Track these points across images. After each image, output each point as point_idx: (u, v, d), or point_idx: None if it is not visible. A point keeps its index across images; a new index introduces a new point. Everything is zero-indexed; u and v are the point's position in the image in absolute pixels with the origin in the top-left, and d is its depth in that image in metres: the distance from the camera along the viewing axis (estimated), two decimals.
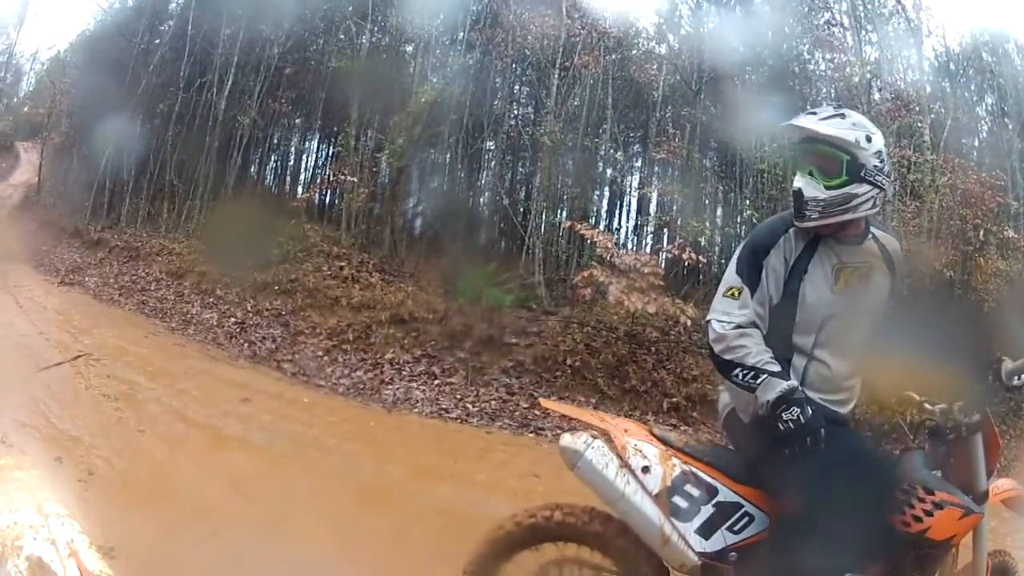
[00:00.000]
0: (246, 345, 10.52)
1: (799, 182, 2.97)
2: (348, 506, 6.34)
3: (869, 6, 11.29)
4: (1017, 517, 3.56)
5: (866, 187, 2.92)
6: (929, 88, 11.00)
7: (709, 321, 3.01)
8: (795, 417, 2.78)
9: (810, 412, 2.78)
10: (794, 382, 2.88)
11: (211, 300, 11.52)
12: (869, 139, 2.94)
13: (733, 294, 2.96)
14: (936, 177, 10.21)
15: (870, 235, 3.11)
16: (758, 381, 2.84)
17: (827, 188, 2.91)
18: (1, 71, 16.62)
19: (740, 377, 2.89)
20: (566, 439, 3.28)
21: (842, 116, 3.03)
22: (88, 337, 10.44)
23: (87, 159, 14.75)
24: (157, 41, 14.13)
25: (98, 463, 6.91)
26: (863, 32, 11.36)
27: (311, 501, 6.36)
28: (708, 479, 3.10)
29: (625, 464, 3.12)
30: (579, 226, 10.28)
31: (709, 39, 11.31)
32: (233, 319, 11.06)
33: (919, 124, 10.58)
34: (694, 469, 3.11)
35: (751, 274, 2.96)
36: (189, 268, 12.15)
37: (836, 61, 11.41)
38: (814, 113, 3.13)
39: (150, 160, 13.61)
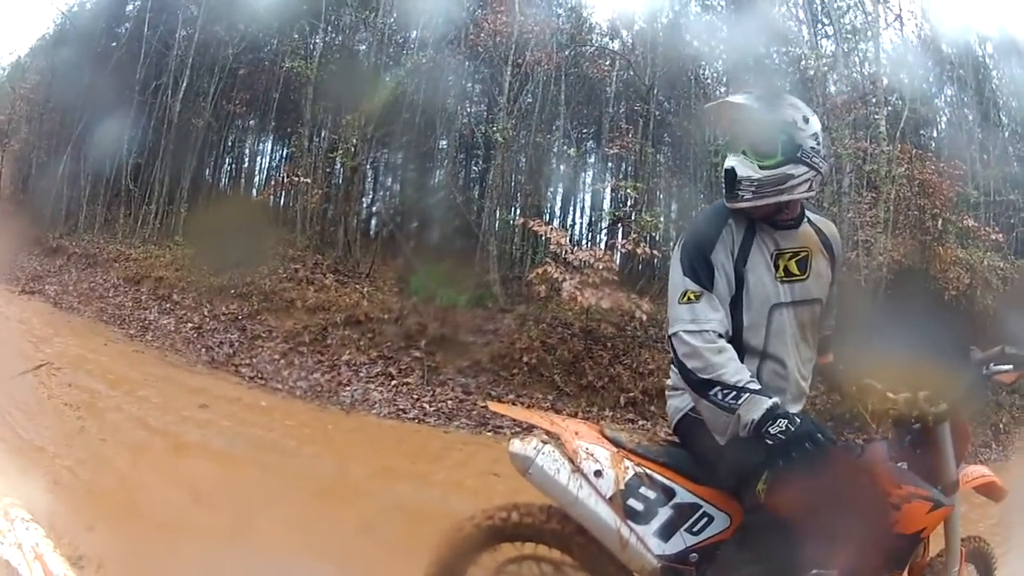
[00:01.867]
0: (204, 350, 10.62)
1: (731, 161, 2.91)
2: (310, 507, 6.43)
3: None
4: (990, 503, 3.56)
5: (803, 168, 2.87)
6: (887, 80, 11.21)
7: (676, 334, 2.84)
8: (783, 428, 2.67)
9: (798, 420, 2.67)
10: (776, 397, 2.78)
11: (168, 306, 11.62)
12: (807, 120, 2.92)
13: (690, 298, 2.80)
14: (893, 168, 10.40)
15: (805, 219, 3.08)
16: (739, 401, 2.72)
17: (761, 168, 2.86)
18: None
19: (720, 397, 2.76)
20: (516, 445, 3.28)
21: (778, 97, 3.04)
22: (49, 346, 10.52)
23: (45, 166, 14.77)
24: (114, 44, 14.16)
25: (63, 473, 7.02)
26: (819, 25, 11.60)
27: (274, 504, 6.46)
28: (664, 480, 3.09)
29: (577, 468, 3.13)
30: (532, 223, 10.57)
31: (663, 34, 11.52)
32: (190, 324, 11.16)
33: (875, 115, 10.78)
34: (648, 471, 3.10)
35: (703, 273, 2.83)
36: (146, 274, 12.23)
37: (791, 54, 11.61)
38: (749, 93, 3.15)
39: (106, 165, 13.71)
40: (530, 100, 11.56)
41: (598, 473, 3.11)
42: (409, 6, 12.38)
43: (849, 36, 11.42)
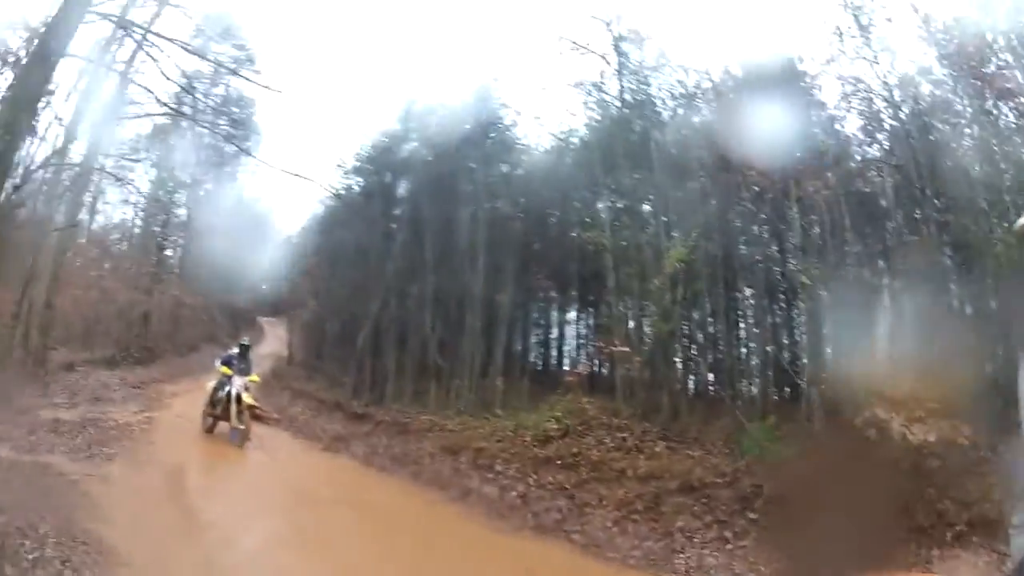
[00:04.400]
0: (530, 516, 10.98)
1: None
2: None
3: None
4: None
5: None
6: None
7: None
8: None
9: None
10: None
11: (490, 475, 12.00)
12: None
13: None
14: None
15: None
16: None
17: None
18: (232, 251, 18.58)
19: None
20: None
21: None
22: (357, 498, 11.54)
23: (341, 337, 16.13)
24: (393, 226, 15.40)
25: None
26: None
27: None
28: None
29: None
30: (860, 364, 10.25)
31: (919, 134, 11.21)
32: (515, 492, 11.51)
33: None
34: None
35: None
36: (465, 444, 12.68)
37: None
38: None
39: (408, 340, 14.67)
40: (816, 231, 11.61)
41: None
42: (684, 158, 12.86)
43: None
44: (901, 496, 8.99)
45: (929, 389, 9.45)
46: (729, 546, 9.75)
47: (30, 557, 7.66)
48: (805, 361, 11.53)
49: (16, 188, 11.46)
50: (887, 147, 11.61)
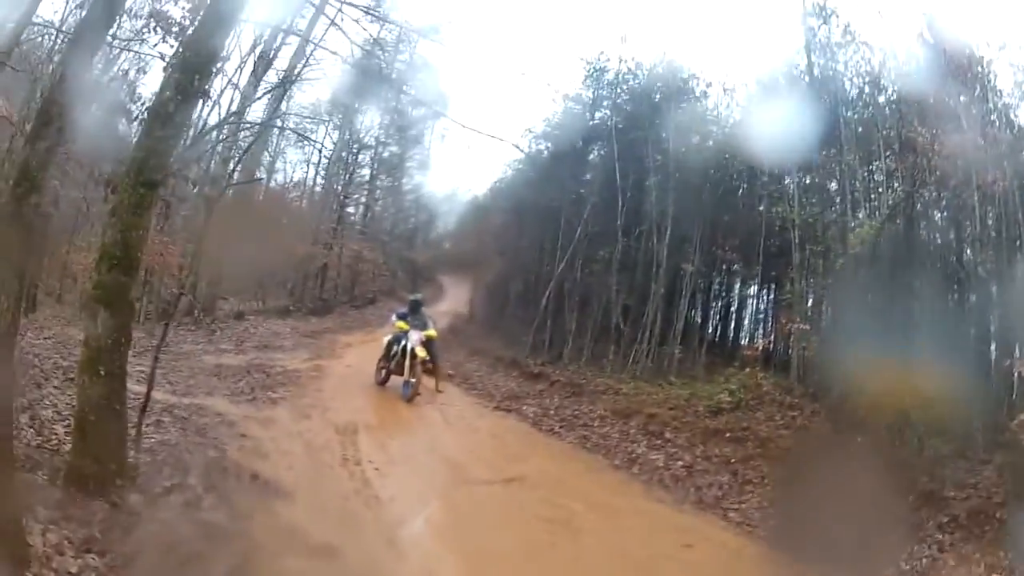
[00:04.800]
0: (692, 490, 11.56)
1: None
2: None
3: None
4: None
5: None
6: None
7: None
8: None
9: None
10: None
11: (658, 442, 12.70)
12: None
13: None
14: None
15: None
16: None
17: None
18: (414, 209, 19.94)
19: None
20: None
21: None
22: (523, 463, 12.07)
23: (523, 297, 17.41)
24: (582, 190, 16.40)
25: None
26: None
27: None
28: None
29: None
30: (1019, 364, 10.55)
31: None
32: (681, 462, 12.16)
33: None
34: None
35: None
36: (637, 409, 13.42)
37: None
38: None
39: (593, 303, 15.66)
40: (991, 222, 11.67)
41: None
42: (871, 138, 13.39)
43: None
44: None
45: None
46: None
47: (165, 485, 8.71)
48: (970, 357, 11.49)
49: (188, 147, 12.38)
50: None
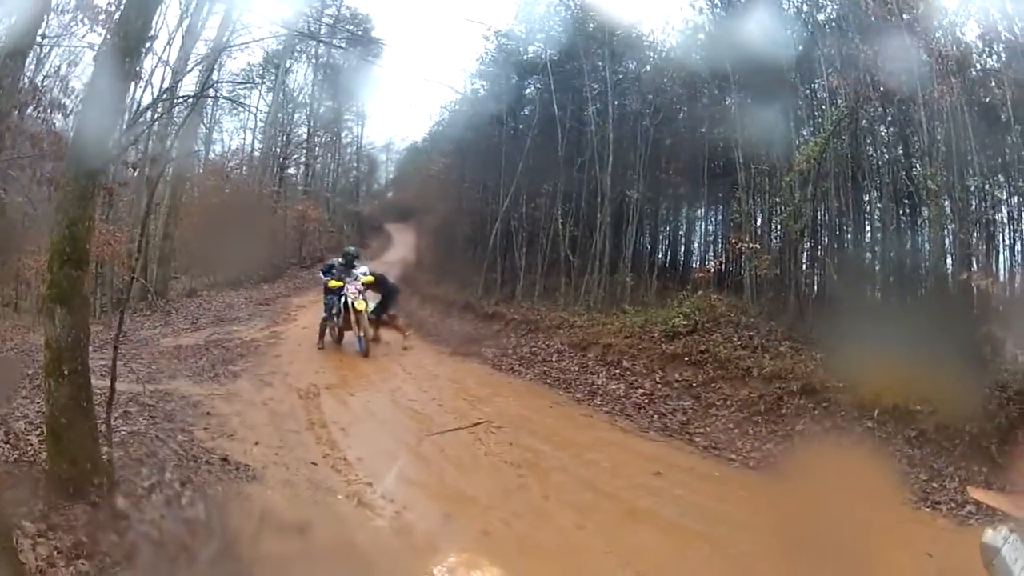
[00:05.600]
0: (656, 417, 11.37)
1: None
2: None
3: None
4: None
5: None
6: None
7: None
8: None
9: None
10: None
11: (617, 372, 12.52)
12: None
13: None
14: None
15: None
16: None
17: None
18: (355, 162, 19.72)
19: None
20: (988, 535, 3.58)
21: None
22: (487, 405, 11.81)
23: (470, 239, 16.99)
24: (522, 126, 15.95)
25: (495, 524, 8.19)
26: None
27: None
28: None
29: None
30: (976, 276, 10.31)
31: None
32: (641, 390, 11.97)
33: None
34: None
35: None
36: (593, 340, 13.22)
37: None
38: None
39: (541, 238, 15.37)
40: (940, 138, 11.54)
41: None
42: (814, 55, 12.96)
43: None
44: (1008, 421, 8.92)
45: None
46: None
47: (146, 484, 8.33)
48: (927, 270, 11.66)
49: (125, 130, 11.89)
50: (1004, 59, 11.31)
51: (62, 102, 11.74)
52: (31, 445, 8.65)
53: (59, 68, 12.70)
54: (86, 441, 7.64)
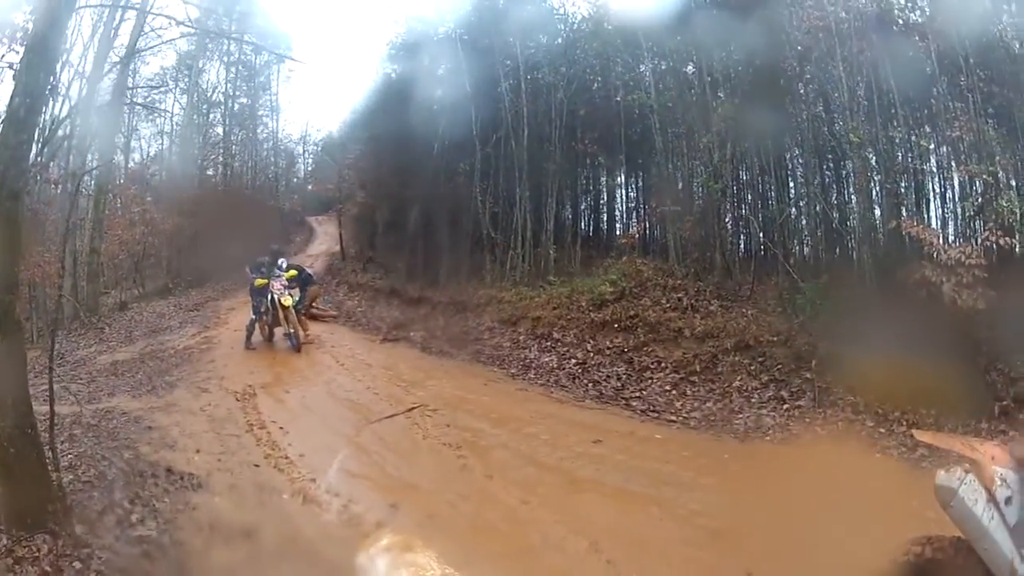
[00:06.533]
0: (591, 385, 11.22)
1: None
2: (711, 554, 6.96)
3: None
4: None
5: None
6: None
7: None
8: None
9: None
10: None
11: (548, 344, 12.28)
12: None
13: None
14: None
15: None
16: None
17: None
18: (272, 156, 18.82)
19: None
20: (942, 477, 3.49)
21: None
22: (421, 389, 11.53)
23: (392, 225, 16.23)
24: (435, 107, 15.13)
25: (441, 508, 8.04)
26: None
27: (675, 554, 7.02)
28: None
29: (991, 497, 3.33)
30: (905, 225, 10.22)
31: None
32: (574, 360, 11.77)
33: None
34: None
35: None
36: (522, 314, 12.92)
37: None
38: None
39: (462, 217, 14.76)
40: (861, 93, 11.22)
41: (1008, 500, 3.32)
42: (725, 18, 12.27)
43: None
44: (951, 363, 8.72)
45: (977, 256, 9.47)
46: (786, 406, 9.93)
47: (98, 507, 8.12)
48: (855, 221, 11.44)
49: (43, 146, 11.83)
50: (928, 13, 11.14)
51: None
52: None
53: None
54: (36, 469, 7.49)
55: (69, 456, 8.97)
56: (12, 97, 7.72)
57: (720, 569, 6.84)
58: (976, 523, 3.25)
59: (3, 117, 8.41)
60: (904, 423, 8.78)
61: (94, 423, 10.27)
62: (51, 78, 8.46)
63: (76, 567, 6.95)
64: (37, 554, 6.86)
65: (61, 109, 13.11)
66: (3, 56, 10.93)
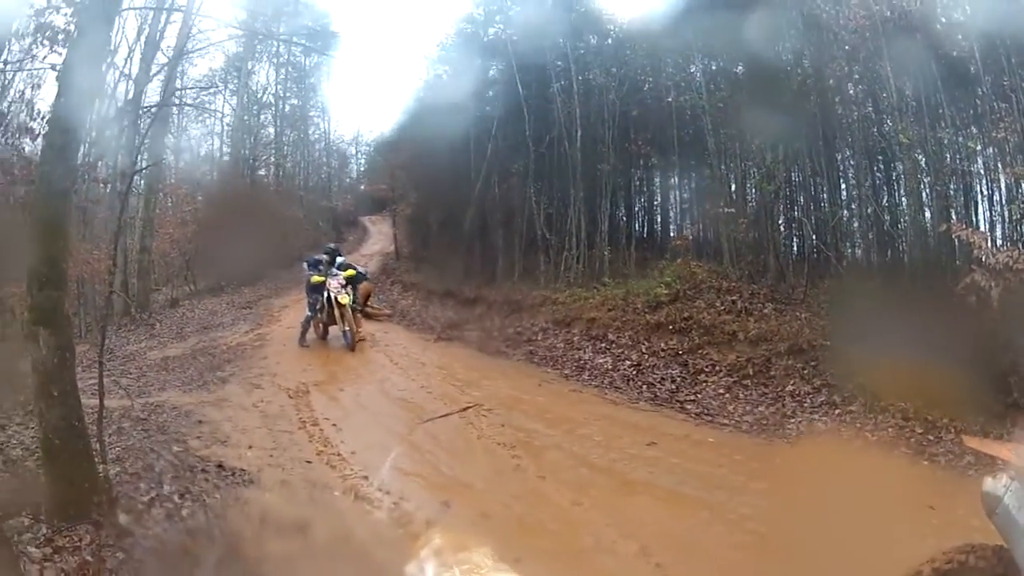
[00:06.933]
0: (645, 387, 11.25)
1: None
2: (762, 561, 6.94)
3: None
4: None
5: None
6: None
7: None
8: None
9: None
10: None
11: (603, 345, 12.31)
12: None
13: None
14: None
15: None
16: None
17: None
18: (324, 156, 19.17)
19: None
20: (988, 483, 3.49)
21: None
22: (475, 388, 11.62)
23: (446, 225, 16.37)
24: (488, 108, 15.43)
25: (494, 507, 8.05)
26: None
27: (725, 558, 7.00)
28: None
29: None
30: (955, 228, 10.22)
31: None
32: (628, 362, 11.81)
33: None
34: None
35: None
36: (576, 316, 12.95)
37: None
38: None
39: (516, 218, 14.89)
40: (909, 93, 11.22)
41: None
42: (774, 18, 12.23)
43: None
44: (1000, 370, 8.69)
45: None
46: (837, 411, 9.91)
47: (145, 499, 8.22)
48: (906, 224, 11.43)
49: (91, 146, 12.00)
50: (969, 12, 10.90)
51: (29, 126, 11.56)
52: (29, 471, 8.41)
53: (23, 92, 12.19)
54: (82, 460, 7.57)
55: (117, 449, 9.07)
56: (57, 97, 7.95)
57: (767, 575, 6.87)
58: (1020, 531, 3.22)
59: (48, 118, 8.74)
60: (952, 430, 8.74)
61: (143, 417, 10.38)
62: (97, 79, 8.61)
63: (119, 557, 7.01)
64: (78, 543, 6.93)
65: (109, 110, 13.54)
66: (45, 57, 11.47)
